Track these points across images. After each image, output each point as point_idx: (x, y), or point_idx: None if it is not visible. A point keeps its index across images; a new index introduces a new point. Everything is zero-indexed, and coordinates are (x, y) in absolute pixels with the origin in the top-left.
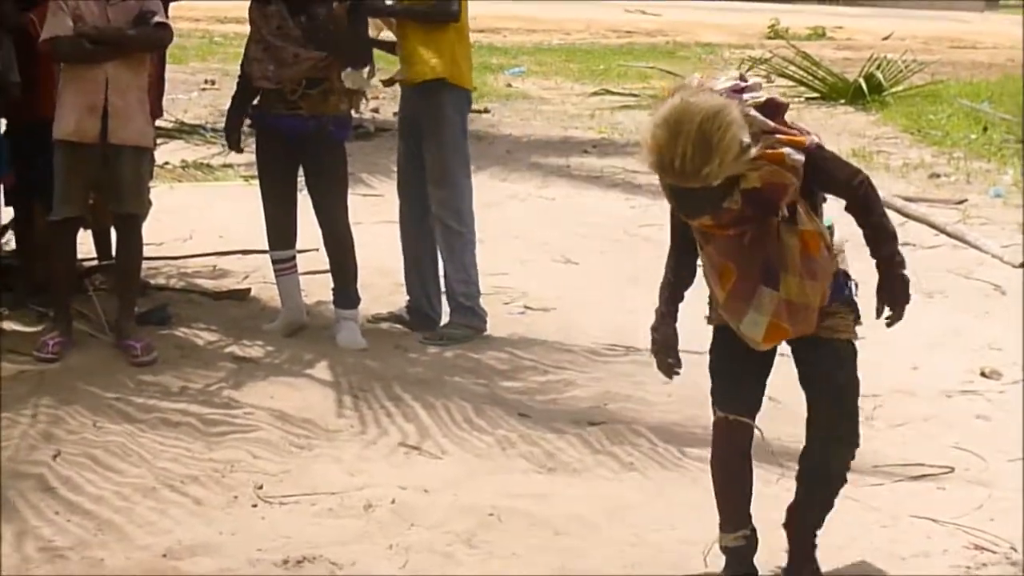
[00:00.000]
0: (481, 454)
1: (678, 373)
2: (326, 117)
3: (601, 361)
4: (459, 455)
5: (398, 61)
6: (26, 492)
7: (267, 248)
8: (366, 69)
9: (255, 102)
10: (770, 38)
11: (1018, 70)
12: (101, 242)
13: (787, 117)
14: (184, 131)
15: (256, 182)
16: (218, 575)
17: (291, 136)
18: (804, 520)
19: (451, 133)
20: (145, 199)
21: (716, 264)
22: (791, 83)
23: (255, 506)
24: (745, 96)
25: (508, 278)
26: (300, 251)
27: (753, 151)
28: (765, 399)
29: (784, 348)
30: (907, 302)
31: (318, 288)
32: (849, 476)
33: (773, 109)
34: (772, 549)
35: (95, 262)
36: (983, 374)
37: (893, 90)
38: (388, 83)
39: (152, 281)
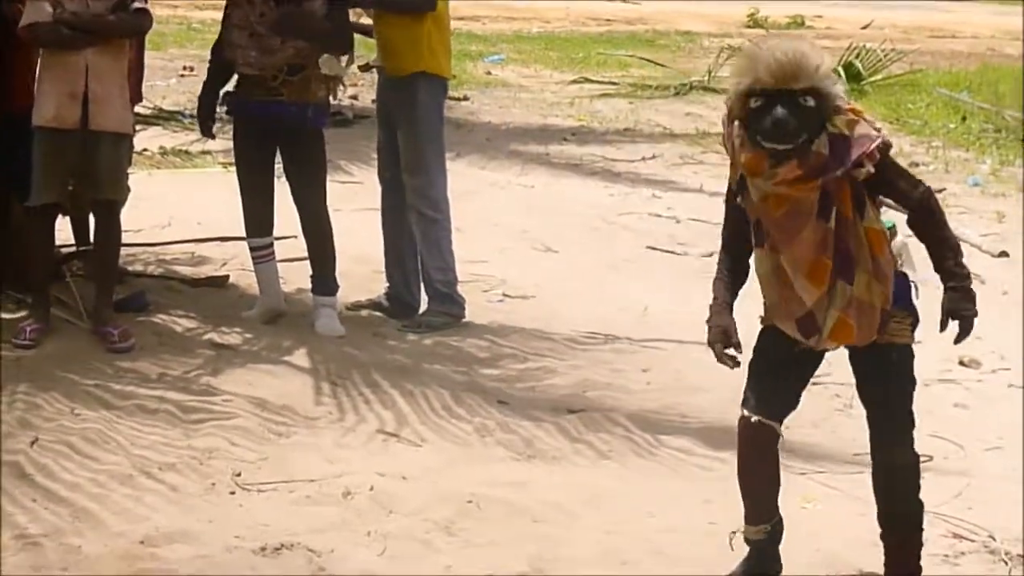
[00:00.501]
0: (460, 442)
1: (739, 364)
2: (307, 104)
3: (580, 349)
4: (438, 443)
5: (375, 47)
6: (2, 479)
7: (245, 235)
8: (345, 56)
9: (232, 88)
10: (749, 27)
11: (997, 59)
12: (79, 229)
13: None
14: (163, 118)
15: (235, 169)
16: (195, 563)
17: (271, 123)
18: (892, 533)
19: (427, 122)
20: (124, 186)
21: (805, 261)
22: None
23: (233, 493)
24: None
25: (487, 266)
26: (278, 238)
27: (840, 87)
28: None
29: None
30: (974, 316)
31: (297, 275)
32: (827, 465)
33: None
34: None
35: (73, 249)
36: (962, 363)
37: (872, 79)
38: (365, 68)
39: (130, 268)
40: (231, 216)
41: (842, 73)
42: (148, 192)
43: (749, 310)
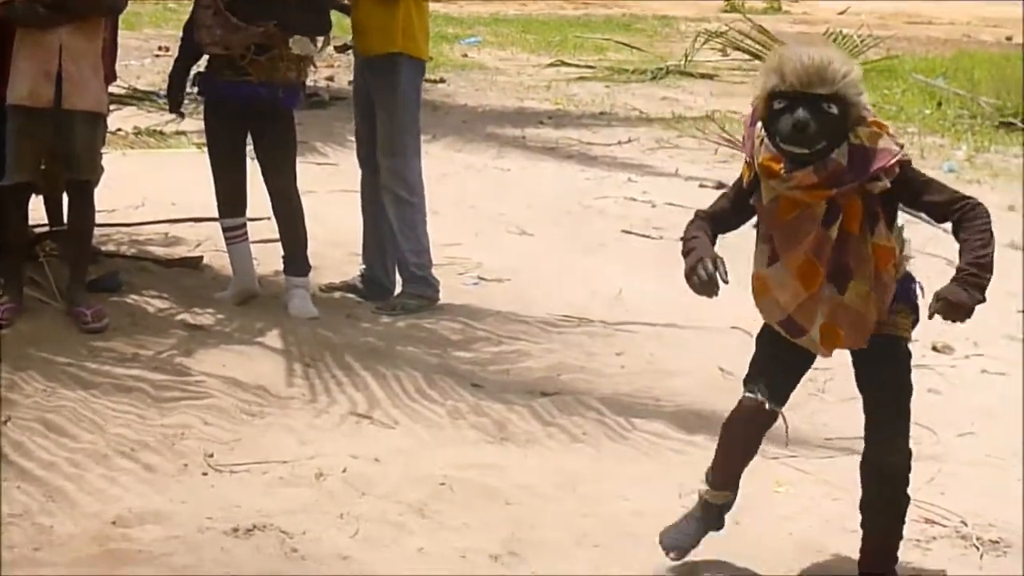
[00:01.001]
0: (433, 424)
1: (717, 293)
2: (275, 85)
3: (554, 332)
4: (411, 425)
5: (351, 28)
6: None
7: (218, 216)
8: (321, 37)
9: (203, 68)
10: (726, 11)
11: (973, 46)
12: (53, 208)
13: None
14: (137, 98)
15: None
16: (167, 544)
17: (240, 103)
18: (874, 523)
19: (404, 104)
20: (98, 165)
21: (799, 264)
22: (747, 57)
23: (205, 474)
24: None
25: (462, 249)
26: (252, 219)
27: (865, 98)
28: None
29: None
30: (963, 313)
31: (270, 257)
32: (800, 449)
33: None
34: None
35: (47, 229)
36: (935, 348)
37: None
38: (341, 49)
39: (103, 248)
40: (205, 197)
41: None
42: (122, 172)
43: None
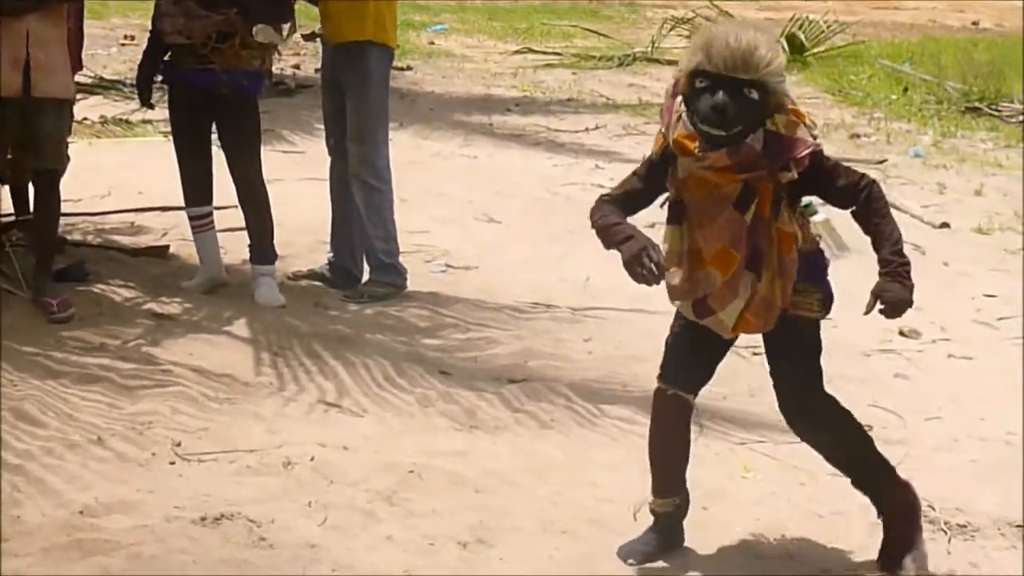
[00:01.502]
0: (401, 412)
1: (660, 280)
2: (238, 72)
3: (522, 319)
4: (379, 413)
5: (319, 16)
6: None
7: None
8: (285, 25)
9: (167, 57)
10: None
11: (939, 31)
12: (18, 198)
13: None
14: (103, 87)
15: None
16: (135, 533)
17: (203, 92)
18: (860, 482)
19: (374, 91)
20: (64, 154)
21: (713, 249)
22: None
23: (173, 463)
24: None
25: (430, 236)
26: (218, 208)
27: (787, 86)
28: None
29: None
30: (902, 299)
31: (237, 245)
32: (767, 434)
33: None
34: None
35: (12, 218)
36: (902, 333)
37: (815, 51)
38: (309, 38)
39: (70, 237)
40: (172, 186)
41: (785, 46)
42: (88, 161)
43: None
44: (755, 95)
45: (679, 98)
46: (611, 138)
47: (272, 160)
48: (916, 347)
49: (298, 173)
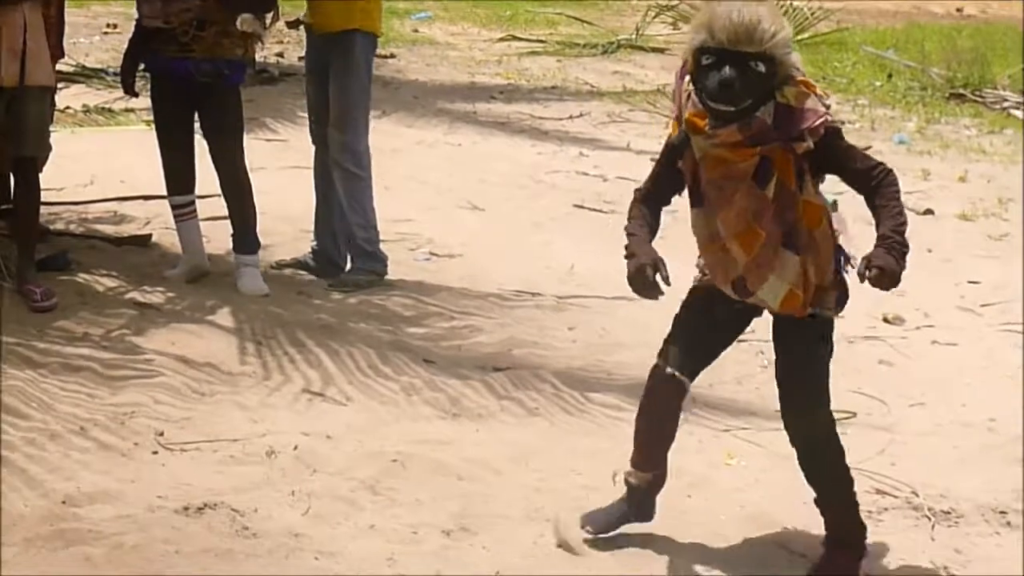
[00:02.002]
0: (385, 400)
1: (661, 294)
2: (220, 61)
3: (506, 307)
4: (363, 401)
5: (305, 4)
6: None
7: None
8: (268, 14)
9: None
10: None
11: (923, 17)
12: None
13: None
14: (86, 75)
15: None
16: (118, 523)
17: (185, 80)
18: (821, 501)
19: (358, 79)
20: (46, 142)
21: (738, 227)
22: None
23: (156, 453)
24: None
25: (414, 224)
26: (201, 196)
27: (795, 56)
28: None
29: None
30: (894, 280)
31: (220, 234)
32: (751, 421)
33: None
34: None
35: None
36: (886, 320)
37: (799, 37)
38: (293, 25)
39: (52, 227)
40: (154, 174)
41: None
42: (71, 150)
43: (680, 272)
44: (762, 68)
45: (687, 78)
46: (595, 125)
47: (255, 148)
48: (900, 333)
49: (281, 161)
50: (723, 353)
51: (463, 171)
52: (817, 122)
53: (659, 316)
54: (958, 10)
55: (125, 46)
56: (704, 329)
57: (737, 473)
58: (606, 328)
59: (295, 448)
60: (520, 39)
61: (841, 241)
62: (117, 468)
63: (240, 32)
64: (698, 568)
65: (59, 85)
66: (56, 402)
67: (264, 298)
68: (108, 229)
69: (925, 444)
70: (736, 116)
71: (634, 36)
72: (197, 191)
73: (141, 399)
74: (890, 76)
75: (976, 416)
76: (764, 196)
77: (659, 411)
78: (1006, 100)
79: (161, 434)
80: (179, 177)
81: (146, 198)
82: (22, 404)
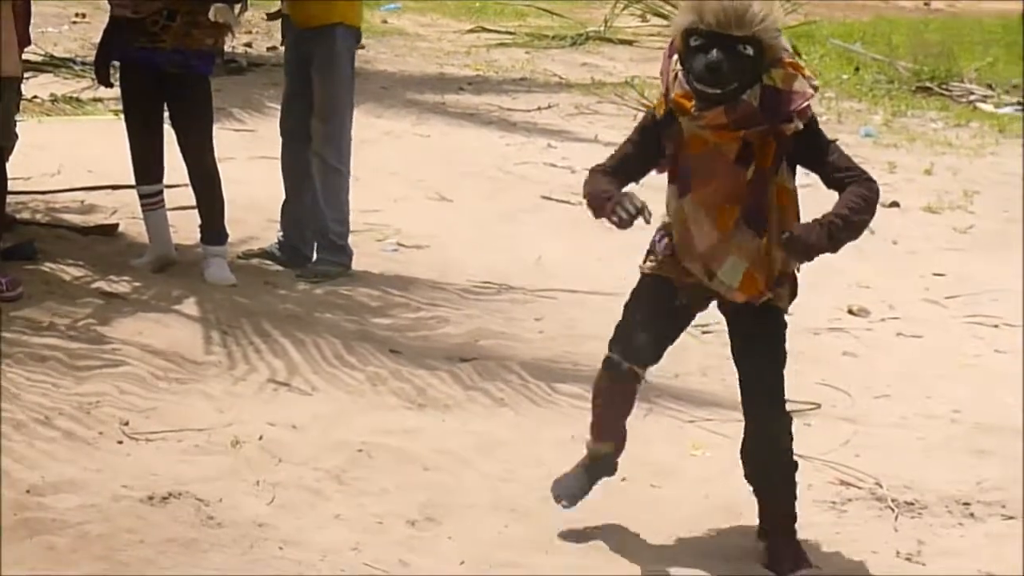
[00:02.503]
0: (351, 390)
1: (631, 222)
2: (189, 52)
3: (474, 298)
4: (329, 391)
5: None
6: None
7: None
8: (238, 5)
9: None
10: None
11: (891, 11)
12: None
13: None
14: (54, 65)
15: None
16: (82, 512)
17: (153, 70)
18: (764, 492)
19: (342, 71)
20: (12, 131)
21: (713, 205)
22: (666, 23)
23: (121, 442)
24: None
25: (382, 215)
26: (168, 186)
27: (784, 39)
28: None
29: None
30: (807, 251)
31: (188, 224)
32: (716, 412)
33: None
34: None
35: None
36: (851, 312)
37: None
38: (273, 17)
39: (19, 216)
40: (122, 164)
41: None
42: (38, 140)
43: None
44: (750, 51)
45: (675, 58)
46: (564, 117)
47: (223, 139)
48: (865, 325)
49: (249, 152)
50: (677, 341)
51: (431, 162)
52: (805, 103)
53: None
54: (925, 3)
55: (94, 36)
56: (656, 317)
57: (703, 464)
58: (574, 319)
59: (260, 438)
60: (489, 30)
61: None
62: (82, 457)
63: (211, 22)
64: (664, 558)
65: (27, 74)
66: (21, 391)
67: (231, 288)
68: (75, 218)
69: (889, 435)
70: (722, 99)
71: (603, 28)
72: (165, 181)
73: (106, 388)
74: (857, 69)
75: (941, 408)
76: (743, 177)
77: (614, 398)
78: (972, 93)
79: (126, 424)
80: (147, 167)
81: (114, 187)
82: None
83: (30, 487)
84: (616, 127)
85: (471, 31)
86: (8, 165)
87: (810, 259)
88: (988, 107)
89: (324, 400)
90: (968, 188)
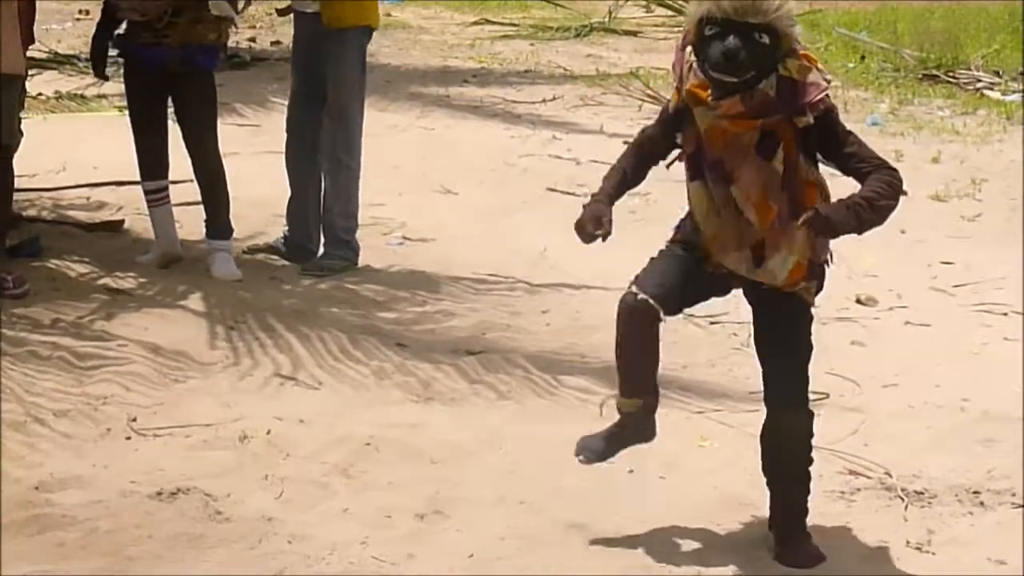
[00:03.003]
0: (357, 384)
1: (595, 239)
2: (194, 47)
3: (479, 291)
4: (335, 385)
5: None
6: None
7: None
8: (240, 1)
9: (122, 31)
10: None
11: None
12: None
13: None
14: (58, 61)
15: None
16: (91, 509)
17: (159, 67)
18: (778, 481)
19: (355, 70)
20: (16, 129)
21: (751, 199)
22: (670, 13)
23: (128, 439)
24: None
25: (387, 209)
26: (174, 182)
27: (798, 29)
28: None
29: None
30: (833, 228)
31: (193, 220)
32: (724, 403)
33: None
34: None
35: None
36: (859, 301)
37: None
38: (283, 13)
39: (25, 213)
40: (127, 160)
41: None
42: (43, 137)
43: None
44: (766, 39)
45: (689, 48)
46: (568, 109)
47: (227, 134)
48: (873, 314)
49: (254, 147)
50: (681, 333)
51: (436, 155)
52: (818, 96)
53: None
54: None
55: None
56: (678, 265)
57: (710, 455)
58: (579, 312)
59: (267, 433)
60: (493, 23)
61: None
62: (90, 454)
63: (213, 17)
64: (672, 549)
65: (31, 72)
66: (28, 389)
67: (236, 283)
68: (80, 215)
69: (898, 425)
70: (739, 87)
71: (607, 19)
72: (170, 177)
73: (113, 385)
74: (863, 58)
75: (949, 397)
76: (773, 169)
77: (636, 339)
78: (979, 81)
79: (133, 420)
80: (152, 163)
81: (119, 184)
82: None
83: (39, 484)
84: (621, 118)
85: (475, 23)
86: (13, 162)
87: (835, 236)
88: (995, 94)
89: (330, 394)
90: (975, 176)
